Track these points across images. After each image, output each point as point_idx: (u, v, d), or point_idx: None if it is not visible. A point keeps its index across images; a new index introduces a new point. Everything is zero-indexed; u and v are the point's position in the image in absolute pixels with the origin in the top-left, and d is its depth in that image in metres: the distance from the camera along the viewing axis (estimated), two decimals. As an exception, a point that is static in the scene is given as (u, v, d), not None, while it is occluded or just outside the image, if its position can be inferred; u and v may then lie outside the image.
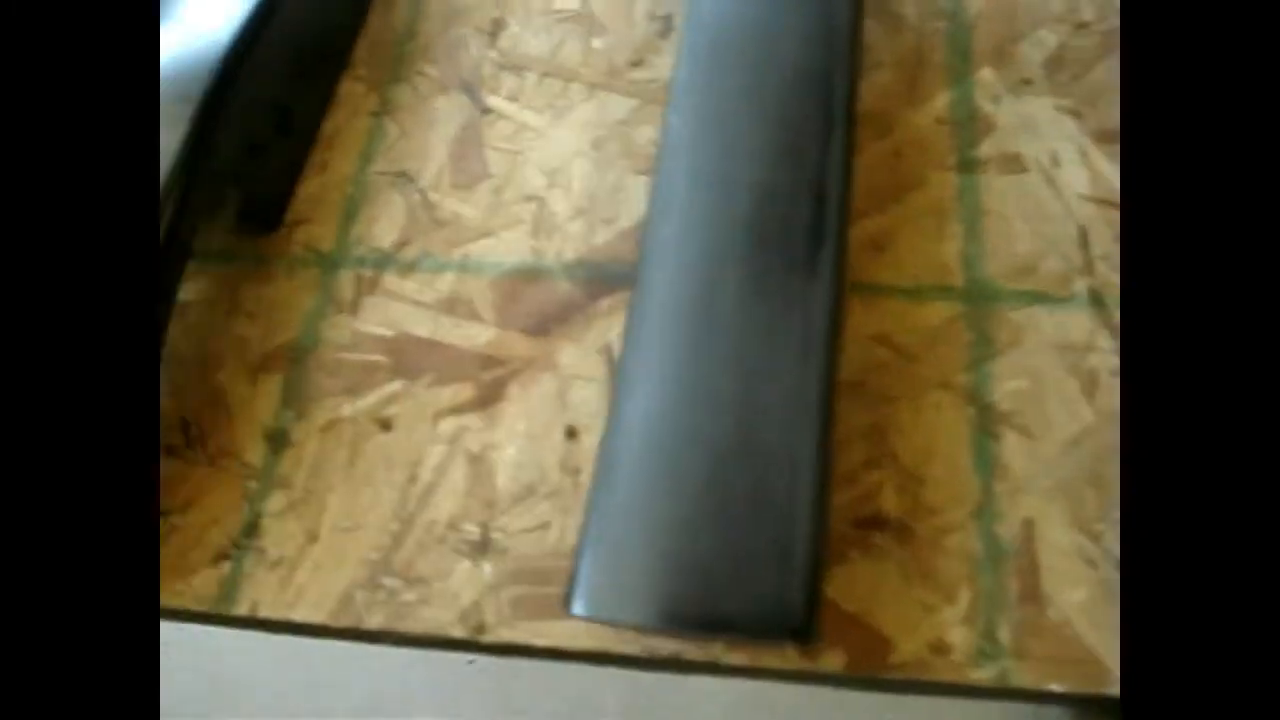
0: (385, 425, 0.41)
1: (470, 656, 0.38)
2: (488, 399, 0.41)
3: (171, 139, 0.40)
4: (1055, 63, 0.47)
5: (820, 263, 0.36)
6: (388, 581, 0.38)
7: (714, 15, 0.42)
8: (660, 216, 0.38)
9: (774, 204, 0.37)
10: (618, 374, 0.36)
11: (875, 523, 0.38)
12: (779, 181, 0.38)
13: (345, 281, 0.44)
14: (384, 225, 0.46)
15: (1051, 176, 0.44)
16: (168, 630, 0.39)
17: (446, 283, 0.44)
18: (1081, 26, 0.48)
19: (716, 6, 0.42)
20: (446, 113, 0.48)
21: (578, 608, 0.31)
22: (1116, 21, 0.48)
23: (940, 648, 0.36)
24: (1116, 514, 0.37)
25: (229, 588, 0.39)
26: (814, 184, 0.37)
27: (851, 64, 0.40)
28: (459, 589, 0.38)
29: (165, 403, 0.42)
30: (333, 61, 0.50)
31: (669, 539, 0.31)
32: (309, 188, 0.47)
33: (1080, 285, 0.41)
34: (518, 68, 0.49)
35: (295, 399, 0.42)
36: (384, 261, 0.45)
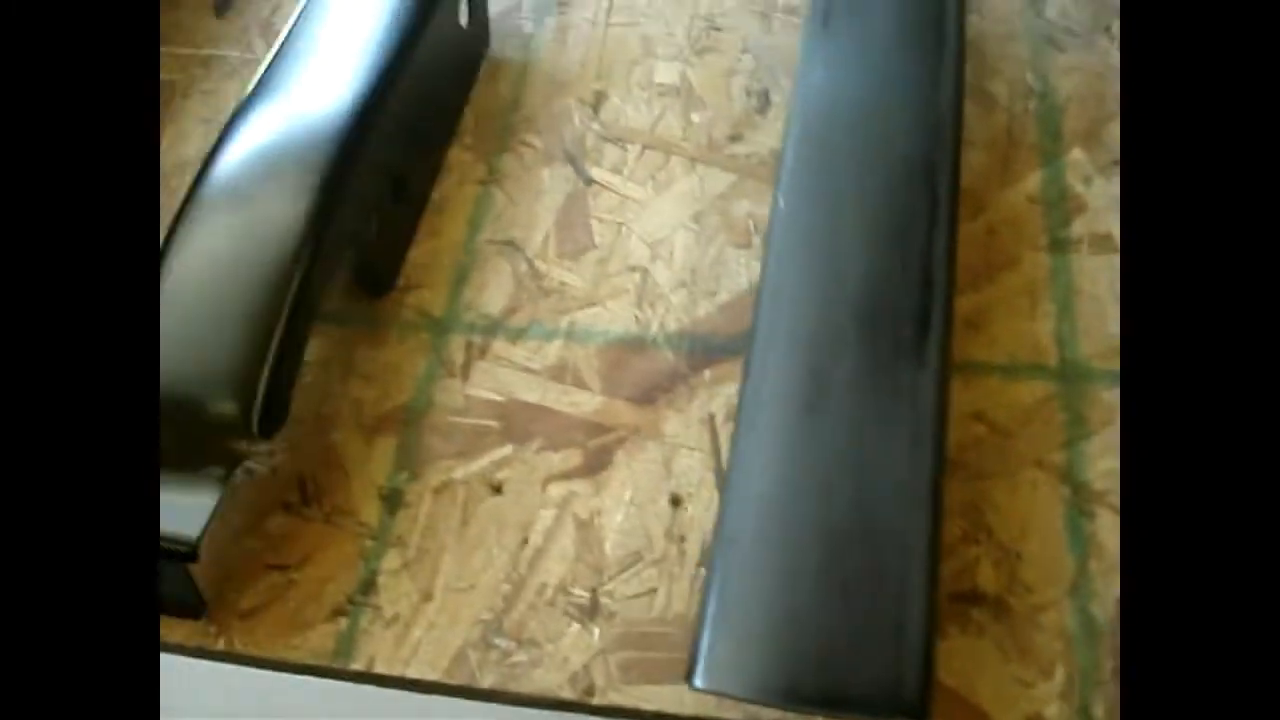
0: (496, 489, 0.43)
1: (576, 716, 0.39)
2: (595, 466, 0.43)
3: (299, 207, 0.42)
4: (1145, 146, 0.48)
5: (928, 350, 0.37)
6: (500, 642, 0.39)
7: (821, 99, 0.43)
8: (771, 298, 0.39)
9: (882, 289, 0.39)
10: (732, 453, 0.37)
11: (973, 598, 0.39)
12: (887, 267, 0.39)
13: (456, 346, 0.46)
14: (493, 292, 0.47)
15: (1142, 258, 0.45)
16: (278, 682, 0.40)
17: (554, 350, 0.45)
18: (1171, 111, 0.49)
19: (824, 90, 0.44)
20: (552, 183, 0.50)
21: (699, 681, 0.33)
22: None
23: (1038, 724, 0.37)
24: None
25: (345, 643, 0.40)
26: (921, 270, 0.39)
27: (956, 151, 0.42)
28: (569, 652, 0.39)
29: (282, 459, 0.44)
30: (442, 130, 0.52)
31: (788, 619, 0.33)
32: (420, 253, 0.49)
33: (1173, 369, 0.43)
34: (620, 140, 0.51)
35: (409, 460, 0.44)
36: (493, 328, 0.46)
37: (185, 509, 0.39)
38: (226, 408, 0.40)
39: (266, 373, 0.40)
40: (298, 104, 0.45)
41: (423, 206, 0.50)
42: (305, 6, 0.50)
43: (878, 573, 0.33)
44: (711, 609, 0.33)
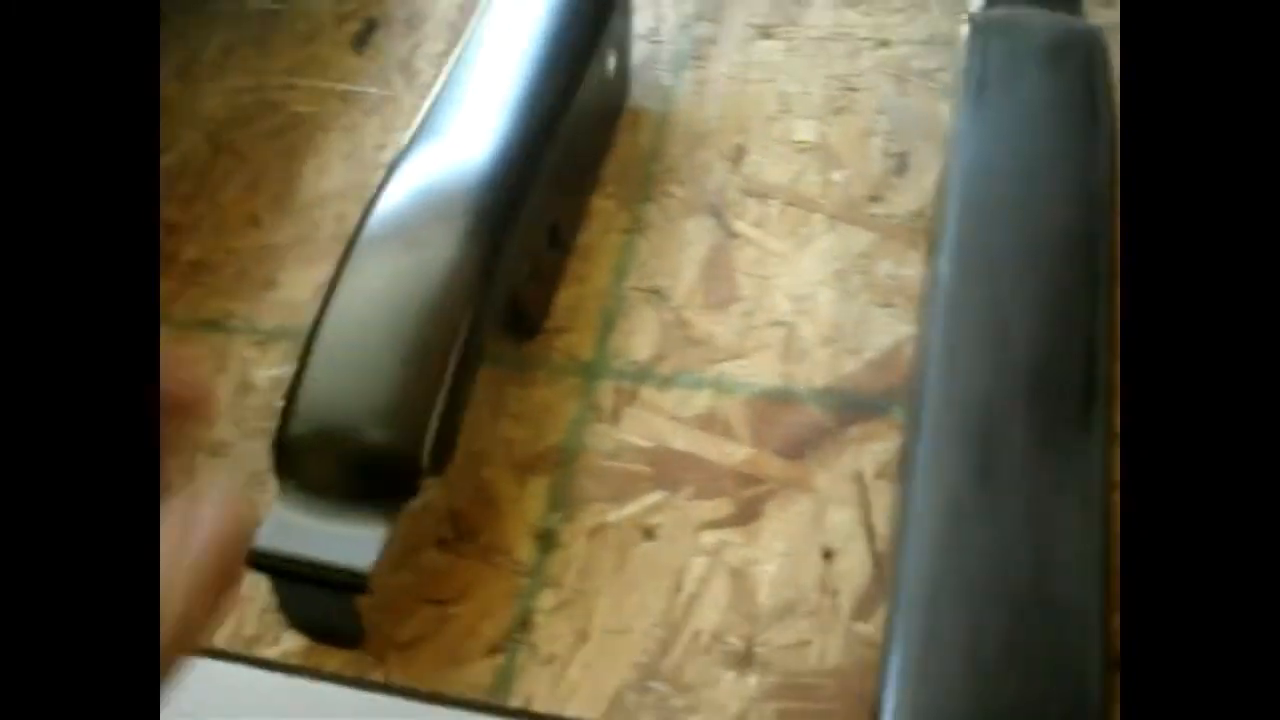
0: (649, 534, 0.44)
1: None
2: (746, 515, 0.44)
3: (469, 250, 0.44)
4: None
5: (1094, 420, 0.38)
6: (657, 686, 0.40)
7: (979, 165, 0.45)
8: (937, 361, 0.40)
9: (1049, 357, 0.40)
10: (901, 513, 0.38)
11: (1114, 666, 0.40)
12: (1052, 335, 0.40)
13: (605, 391, 0.47)
14: (640, 339, 0.49)
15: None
16: (434, 715, 0.41)
17: (703, 399, 0.47)
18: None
19: (981, 156, 0.45)
20: (695, 234, 0.51)
21: (886, 739, 0.33)
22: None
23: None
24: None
25: (503, 679, 0.41)
26: (1085, 341, 0.40)
27: (1114, 225, 0.43)
28: (726, 699, 0.40)
29: (435, 495, 0.45)
30: (588, 177, 0.53)
31: (971, 685, 0.34)
32: (567, 298, 0.50)
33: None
34: (761, 195, 0.53)
35: (562, 502, 0.45)
36: (642, 375, 0.48)
37: (357, 541, 0.40)
38: (399, 440, 0.41)
39: (439, 407, 0.41)
40: (463, 149, 0.47)
41: (569, 252, 0.51)
42: (462, 51, 0.51)
43: (1058, 645, 0.34)
44: (895, 665, 0.34)
